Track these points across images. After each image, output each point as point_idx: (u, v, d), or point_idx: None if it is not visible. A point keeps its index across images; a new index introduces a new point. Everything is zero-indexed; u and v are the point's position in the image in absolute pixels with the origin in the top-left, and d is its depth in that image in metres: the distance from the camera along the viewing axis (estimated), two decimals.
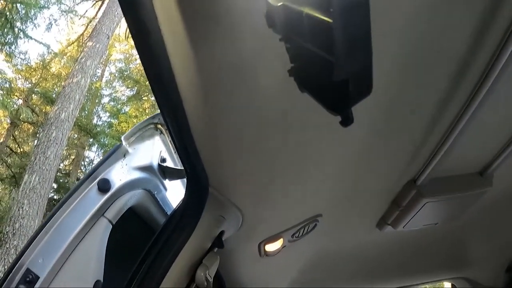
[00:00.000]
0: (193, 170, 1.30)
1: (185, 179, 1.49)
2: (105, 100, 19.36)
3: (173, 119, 1.08)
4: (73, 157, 18.05)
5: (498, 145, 1.53)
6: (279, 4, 0.47)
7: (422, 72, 1.14)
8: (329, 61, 0.40)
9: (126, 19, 0.81)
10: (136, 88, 18.56)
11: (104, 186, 1.44)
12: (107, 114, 18.34)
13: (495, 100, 1.20)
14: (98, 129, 16.09)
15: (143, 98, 18.01)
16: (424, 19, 0.97)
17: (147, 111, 17.02)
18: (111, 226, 1.45)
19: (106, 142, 15.18)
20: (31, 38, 12.95)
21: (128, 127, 15.79)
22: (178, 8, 0.79)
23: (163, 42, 0.86)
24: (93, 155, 18.99)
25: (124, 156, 1.57)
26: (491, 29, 1.03)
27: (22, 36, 12.56)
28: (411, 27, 0.98)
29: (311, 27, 0.42)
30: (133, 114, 17.23)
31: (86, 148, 18.43)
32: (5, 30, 11.52)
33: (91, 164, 18.57)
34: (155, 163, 1.67)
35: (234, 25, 0.82)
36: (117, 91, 19.90)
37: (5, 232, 8.51)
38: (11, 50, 13.48)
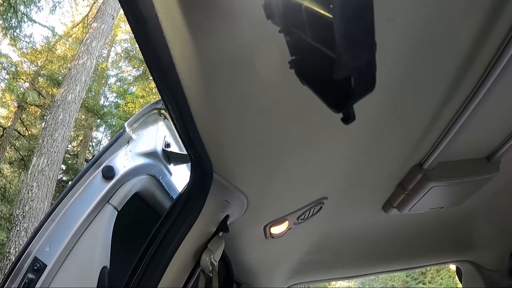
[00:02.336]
0: (196, 156, 1.30)
1: (190, 164, 1.50)
2: (112, 80, 19.46)
3: (175, 106, 1.07)
4: (81, 138, 18.20)
5: (506, 130, 1.52)
6: None
7: (430, 57, 1.12)
8: (330, 57, 0.39)
9: (122, 7, 0.79)
10: (142, 67, 18.51)
11: (108, 173, 1.45)
12: (114, 94, 18.42)
13: (504, 86, 1.18)
14: (105, 110, 16.18)
15: (150, 78, 17.94)
16: (434, 2, 0.95)
17: (154, 91, 16.99)
18: (116, 213, 1.47)
19: (114, 123, 15.26)
20: (35, 21, 12.90)
21: (135, 107, 15.85)
22: None
23: (161, 30, 0.84)
24: (101, 135, 19.18)
25: (128, 142, 1.57)
26: (503, 13, 1.00)
27: (26, 20, 12.50)
28: (419, 11, 0.96)
29: (311, 21, 0.41)
30: (140, 94, 17.22)
31: (94, 129, 18.58)
32: (9, 15, 11.46)
33: (99, 144, 18.76)
34: (159, 148, 1.67)
35: (233, 12, 0.81)
36: (123, 71, 19.93)
37: (16, 215, 8.67)
38: (15, 34, 13.43)
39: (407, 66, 1.12)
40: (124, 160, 1.52)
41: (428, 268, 18.26)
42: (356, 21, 0.36)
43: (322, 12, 0.37)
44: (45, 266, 1.28)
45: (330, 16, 0.36)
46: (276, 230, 1.86)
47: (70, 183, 1.44)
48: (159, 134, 1.70)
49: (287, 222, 1.83)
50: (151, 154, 1.63)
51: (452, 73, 1.17)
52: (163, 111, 1.71)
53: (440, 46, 1.09)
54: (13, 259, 7.62)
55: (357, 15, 0.36)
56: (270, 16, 0.48)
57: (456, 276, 2.88)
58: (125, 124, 1.59)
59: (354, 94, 0.41)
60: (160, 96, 1.14)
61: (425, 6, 0.95)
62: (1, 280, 1.28)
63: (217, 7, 0.79)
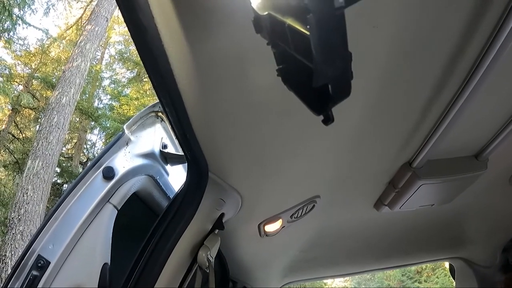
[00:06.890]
0: (193, 156, 1.34)
1: (186, 164, 1.54)
2: (106, 83, 19.31)
3: (172, 109, 1.12)
4: (75, 141, 18.10)
5: (494, 129, 1.55)
6: (265, 13, 0.52)
7: (416, 57, 1.15)
8: (310, 67, 0.45)
9: (123, 17, 0.84)
10: (136, 70, 18.44)
11: (108, 173, 1.49)
12: (108, 96, 18.28)
13: (489, 84, 1.21)
14: (100, 112, 16.07)
15: (144, 79, 17.88)
16: (418, 4, 0.98)
17: (148, 93, 16.93)
18: (116, 211, 1.51)
19: (108, 125, 15.17)
20: (29, 24, 12.86)
21: (130, 109, 15.79)
22: (172, 5, 0.83)
23: (160, 38, 0.90)
24: (95, 138, 19.08)
25: (127, 144, 1.61)
26: (489, 9, 1.03)
27: (20, 23, 12.45)
28: (403, 15, 1.00)
29: (293, 37, 0.47)
30: (134, 96, 17.13)
31: (88, 132, 18.48)
32: (3, 17, 11.42)
33: (93, 147, 18.67)
34: (156, 149, 1.72)
35: (227, 23, 0.86)
36: (117, 73, 19.84)
37: (11, 218, 8.59)
38: (9, 36, 13.40)
39: (394, 66, 1.15)
40: (123, 161, 1.56)
41: (423, 267, 18.27)
42: (330, 38, 0.43)
43: (301, 29, 0.44)
44: (48, 263, 1.32)
45: (308, 33, 0.42)
46: (270, 228, 1.90)
47: (72, 182, 1.46)
48: (157, 136, 1.74)
49: (281, 220, 1.88)
50: (149, 155, 1.68)
51: (438, 73, 1.21)
52: (160, 114, 1.75)
53: (425, 46, 1.12)
54: (9, 262, 7.59)
55: (331, 29, 0.42)
56: (259, 30, 0.55)
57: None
58: (124, 126, 1.63)
59: (332, 100, 0.47)
60: (158, 99, 1.19)
61: (409, 9, 0.99)
62: (7, 277, 1.32)
63: (212, 17, 0.84)
